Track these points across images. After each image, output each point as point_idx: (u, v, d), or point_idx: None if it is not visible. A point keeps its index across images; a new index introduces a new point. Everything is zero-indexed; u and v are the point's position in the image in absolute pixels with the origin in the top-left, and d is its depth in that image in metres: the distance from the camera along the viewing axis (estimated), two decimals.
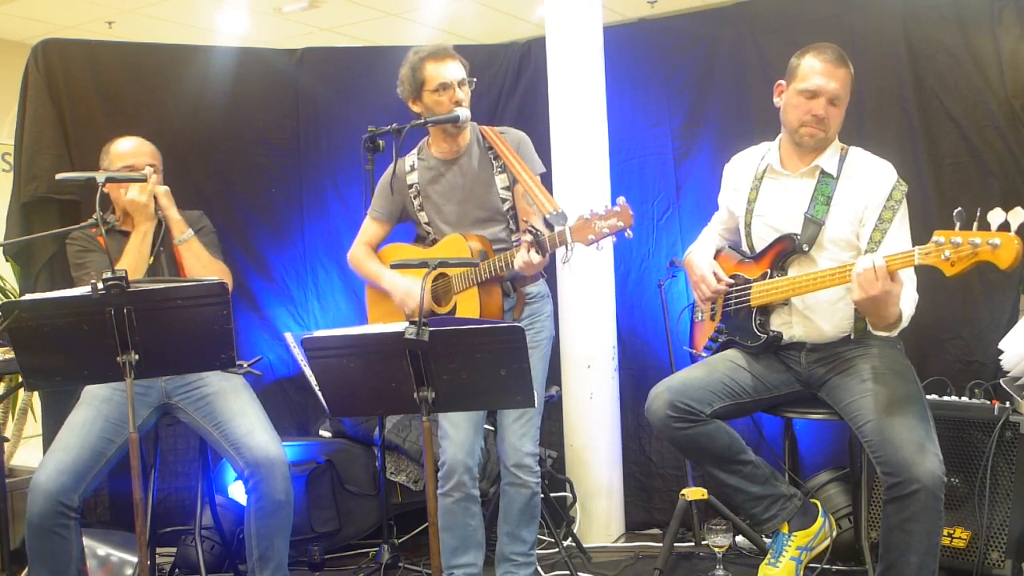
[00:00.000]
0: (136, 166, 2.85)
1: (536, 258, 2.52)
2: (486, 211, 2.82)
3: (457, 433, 2.72)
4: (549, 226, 2.54)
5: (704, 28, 3.68)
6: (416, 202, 2.89)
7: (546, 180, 2.91)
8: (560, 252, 2.49)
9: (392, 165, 2.90)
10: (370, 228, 3.02)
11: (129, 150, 2.90)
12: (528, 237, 2.52)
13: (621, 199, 2.41)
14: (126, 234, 2.86)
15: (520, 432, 2.74)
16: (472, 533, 2.82)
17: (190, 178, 3.67)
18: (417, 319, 2.01)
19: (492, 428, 3.05)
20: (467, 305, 2.75)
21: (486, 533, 3.05)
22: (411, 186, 2.90)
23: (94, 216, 2.26)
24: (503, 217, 2.82)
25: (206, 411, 2.77)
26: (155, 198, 2.82)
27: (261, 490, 2.60)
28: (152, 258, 2.83)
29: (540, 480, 2.81)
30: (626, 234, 2.41)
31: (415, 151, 2.94)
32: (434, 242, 2.89)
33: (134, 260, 2.77)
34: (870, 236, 2.49)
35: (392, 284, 2.89)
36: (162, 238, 2.85)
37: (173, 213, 2.87)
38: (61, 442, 2.60)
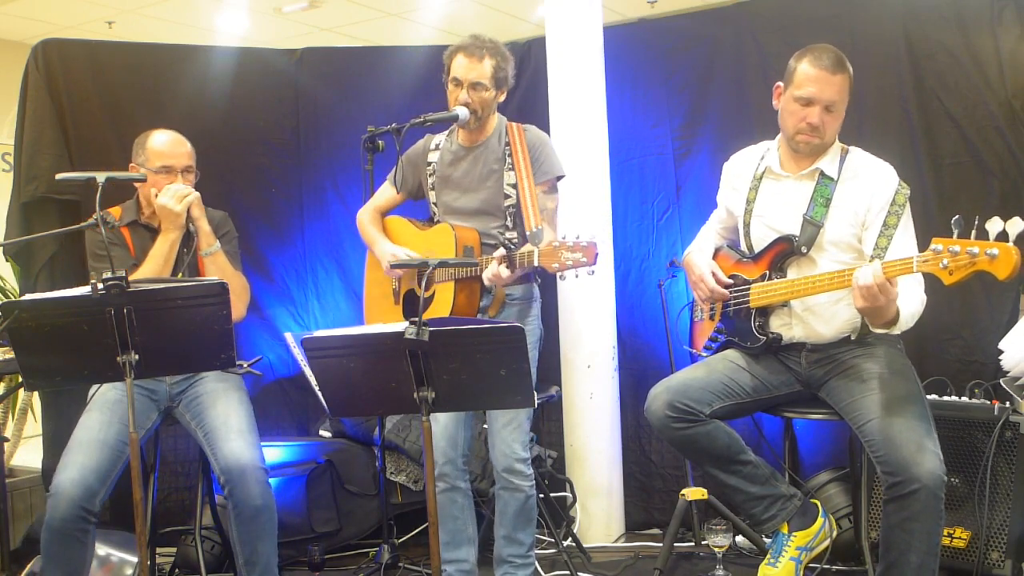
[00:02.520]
0: (173, 167, 2.82)
1: (505, 272, 2.55)
2: (487, 204, 2.83)
3: (437, 425, 2.76)
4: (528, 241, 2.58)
5: (704, 28, 3.68)
6: (430, 181, 2.93)
7: None
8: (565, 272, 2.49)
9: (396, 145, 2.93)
10: (384, 192, 3.07)
11: (167, 148, 2.84)
12: (501, 251, 2.54)
13: (592, 237, 2.42)
14: (151, 230, 2.84)
15: (510, 438, 2.74)
16: (462, 528, 2.83)
17: None
18: (417, 318, 2.01)
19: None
20: (442, 297, 2.78)
21: (486, 534, 3.05)
22: (429, 164, 2.94)
23: (94, 216, 2.26)
24: (502, 213, 2.82)
25: (195, 413, 2.77)
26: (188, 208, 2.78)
27: (237, 496, 2.59)
28: (181, 273, 2.80)
29: (534, 483, 2.80)
30: (588, 272, 2.43)
31: (446, 132, 2.97)
32: (436, 223, 2.93)
33: (157, 268, 2.74)
34: (875, 242, 2.48)
35: (381, 252, 2.97)
36: (192, 250, 2.82)
37: (204, 224, 2.83)
38: (80, 444, 2.58)
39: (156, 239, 2.80)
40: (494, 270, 2.57)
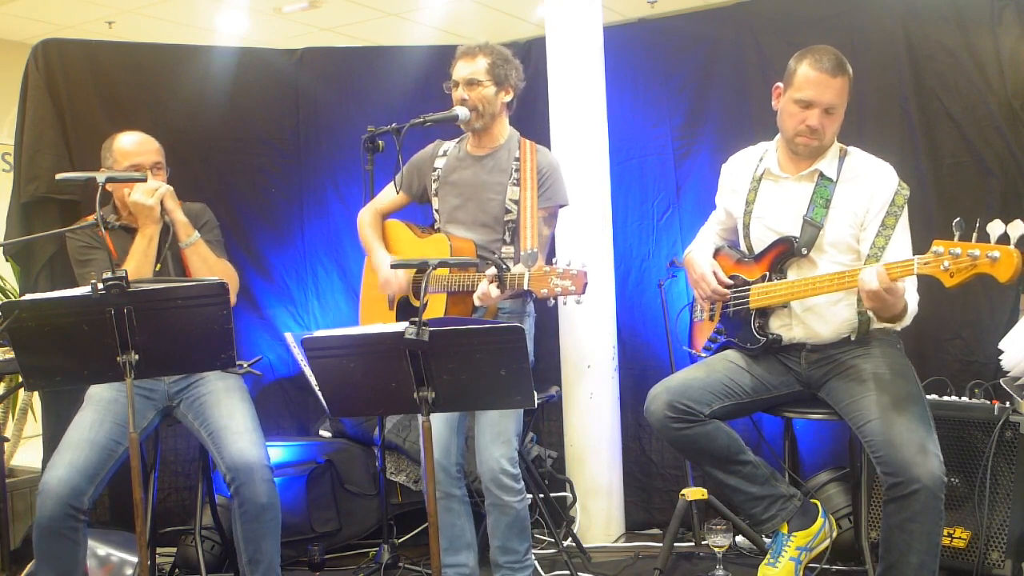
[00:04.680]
0: (142, 164, 2.83)
1: (495, 292, 2.52)
2: (487, 216, 2.82)
3: None
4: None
5: (704, 28, 3.68)
6: (434, 187, 2.93)
7: None
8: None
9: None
10: (388, 194, 3.05)
11: (134, 148, 2.87)
12: (493, 270, 2.53)
13: (583, 265, 2.40)
14: (130, 231, 2.84)
15: (497, 452, 2.70)
16: (460, 533, 2.82)
17: (190, 178, 3.67)
18: (417, 320, 2.01)
19: None
20: (434, 310, 2.78)
21: (485, 534, 3.04)
22: (435, 170, 2.93)
23: (94, 216, 2.26)
24: (501, 227, 2.82)
25: (198, 412, 2.77)
26: (161, 201, 2.79)
27: (243, 494, 2.60)
28: (159, 264, 2.81)
29: (523, 495, 2.75)
30: (576, 301, 2.41)
31: (456, 140, 2.97)
32: (436, 231, 2.93)
33: (138, 264, 2.74)
34: (873, 242, 2.49)
35: (378, 263, 2.97)
36: (169, 242, 2.82)
37: (179, 216, 2.84)
38: (70, 443, 2.59)
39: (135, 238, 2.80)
40: (484, 289, 2.54)
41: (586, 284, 2.38)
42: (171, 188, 2.84)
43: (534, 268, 2.44)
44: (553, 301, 2.45)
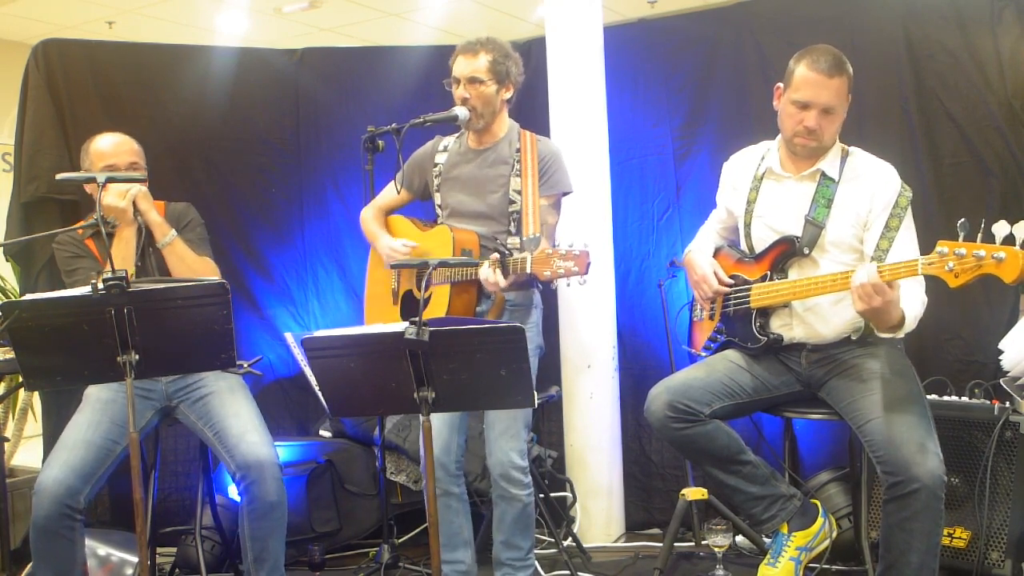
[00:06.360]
0: (117, 165, 2.81)
1: (496, 278, 2.53)
2: (493, 208, 2.81)
3: None
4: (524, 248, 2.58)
5: (704, 28, 3.68)
6: (436, 182, 2.93)
7: None
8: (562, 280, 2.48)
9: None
10: (389, 192, 3.06)
11: (109, 149, 2.84)
12: (496, 256, 2.53)
13: (584, 245, 2.40)
14: (112, 236, 2.82)
15: (507, 446, 2.72)
16: (458, 531, 2.83)
17: (190, 178, 3.68)
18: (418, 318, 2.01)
19: None
20: (438, 300, 2.78)
21: (486, 534, 3.05)
22: (436, 165, 2.94)
23: (94, 216, 2.26)
24: (506, 218, 2.81)
25: (201, 412, 2.77)
26: (134, 202, 2.75)
27: (252, 492, 2.60)
28: (134, 267, 2.79)
29: (531, 490, 2.78)
30: (580, 281, 2.42)
31: (455, 135, 2.97)
32: (435, 225, 2.94)
33: (117, 267, 2.74)
34: (877, 244, 2.48)
35: (382, 248, 2.99)
36: (147, 241, 2.81)
37: (153, 216, 2.82)
38: (66, 443, 2.59)
39: None
40: (485, 274, 2.55)
41: (589, 264, 2.39)
42: (143, 189, 2.80)
43: (536, 251, 2.44)
44: (556, 284, 2.45)
